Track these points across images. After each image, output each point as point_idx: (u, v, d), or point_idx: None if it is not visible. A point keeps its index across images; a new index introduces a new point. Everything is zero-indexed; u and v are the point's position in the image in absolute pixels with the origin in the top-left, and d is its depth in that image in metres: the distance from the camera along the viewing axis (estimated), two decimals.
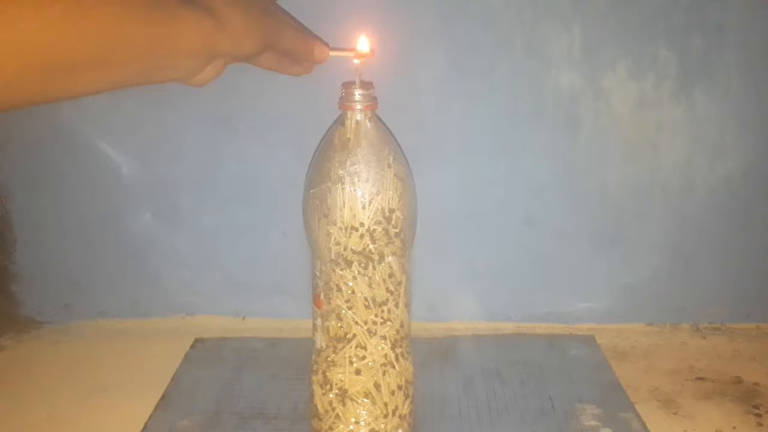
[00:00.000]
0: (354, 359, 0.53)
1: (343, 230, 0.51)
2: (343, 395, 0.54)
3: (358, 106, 0.51)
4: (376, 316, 0.53)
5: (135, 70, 0.39)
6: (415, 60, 0.71)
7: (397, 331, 0.54)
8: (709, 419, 0.63)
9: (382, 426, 0.55)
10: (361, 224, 0.51)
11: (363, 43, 0.52)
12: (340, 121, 0.52)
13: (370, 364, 0.54)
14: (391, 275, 0.53)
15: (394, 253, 0.52)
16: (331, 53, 0.51)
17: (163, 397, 0.64)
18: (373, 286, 0.52)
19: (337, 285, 0.52)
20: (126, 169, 0.75)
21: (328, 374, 0.54)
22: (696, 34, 0.70)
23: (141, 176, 0.75)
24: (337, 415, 0.54)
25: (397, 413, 0.55)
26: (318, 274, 0.54)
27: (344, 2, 0.70)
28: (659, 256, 0.77)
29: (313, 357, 0.56)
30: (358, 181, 0.51)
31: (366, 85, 0.52)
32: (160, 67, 0.41)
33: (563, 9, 0.70)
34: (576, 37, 0.70)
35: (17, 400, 0.67)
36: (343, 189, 0.51)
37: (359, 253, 0.51)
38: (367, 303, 0.52)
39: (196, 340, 0.74)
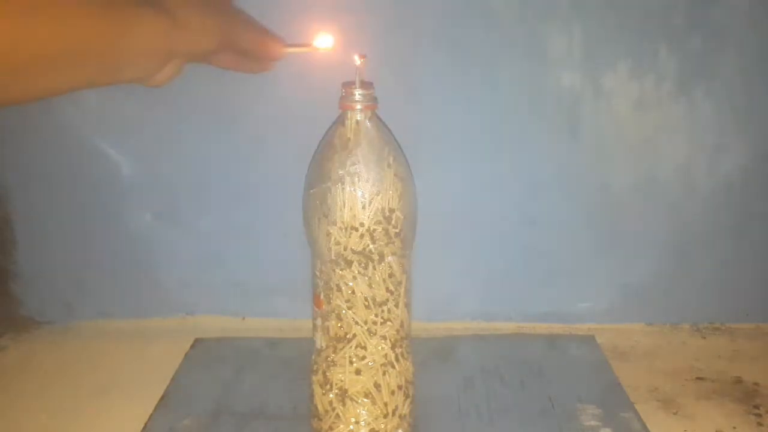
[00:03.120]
0: (354, 359, 0.53)
1: (343, 230, 0.51)
2: (343, 395, 0.54)
3: (358, 106, 0.51)
4: (376, 316, 0.53)
5: (93, 70, 0.40)
6: (415, 60, 0.71)
7: (397, 331, 0.54)
8: (709, 419, 0.63)
9: (382, 426, 0.55)
10: (361, 224, 0.51)
11: (322, 38, 0.52)
12: (340, 121, 0.52)
13: (370, 364, 0.54)
14: (391, 275, 0.53)
15: (394, 253, 0.52)
16: (289, 50, 0.51)
17: (163, 397, 0.64)
18: (373, 286, 0.52)
19: (337, 285, 0.52)
20: (126, 169, 0.75)
21: (328, 374, 0.54)
22: (696, 34, 0.70)
23: (141, 176, 0.75)
24: (337, 415, 0.54)
25: (397, 413, 0.55)
26: (318, 274, 0.54)
27: (344, 2, 0.70)
28: (659, 256, 0.77)
29: (313, 357, 0.56)
30: (358, 181, 0.51)
31: (366, 85, 0.52)
32: (119, 66, 0.41)
33: (563, 9, 0.70)
34: (576, 37, 0.70)
35: (17, 400, 0.67)
36: (343, 189, 0.51)
37: (359, 253, 0.51)
38: (367, 303, 0.52)
39: (196, 340, 0.74)
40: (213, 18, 0.45)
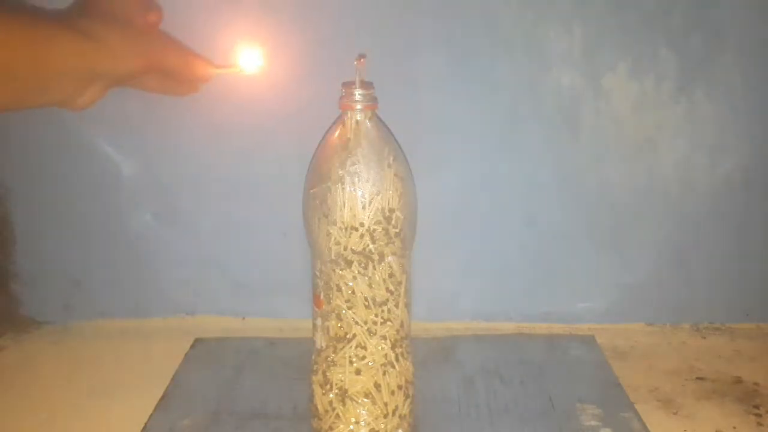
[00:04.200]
0: (354, 359, 0.53)
1: (343, 230, 0.51)
2: (343, 395, 0.54)
3: (359, 106, 0.51)
4: (376, 316, 0.53)
5: (16, 91, 0.40)
6: (415, 60, 0.71)
7: (397, 331, 0.54)
8: (709, 419, 0.63)
9: (382, 426, 0.55)
10: (361, 224, 0.51)
11: (248, 57, 0.52)
12: (340, 121, 0.52)
13: (370, 364, 0.54)
14: (391, 275, 0.53)
15: (394, 253, 0.52)
16: (216, 71, 0.51)
17: (163, 397, 0.64)
18: (373, 286, 0.52)
19: (337, 285, 0.52)
20: (126, 169, 0.75)
21: (328, 374, 0.54)
22: (696, 34, 0.70)
23: (141, 176, 0.76)
24: (337, 415, 0.55)
25: (397, 413, 0.55)
26: (318, 274, 0.54)
27: (345, 2, 0.70)
28: (659, 256, 0.77)
29: (313, 357, 0.56)
30: (358, 181, 0.51)
31: (366, 85, 0.52)
32: (41, 87, 0.42)
33: (563, 9, 0.70)
34: (576, 37, 0.70)
35: (17, 400, 0.67)
36: (343, 189, 0.51)
37: (359, 253, 0.51)
38: (367, 303, 0.52)
39: (196, 340, 0.74)
40: (135, 40, 0.46)
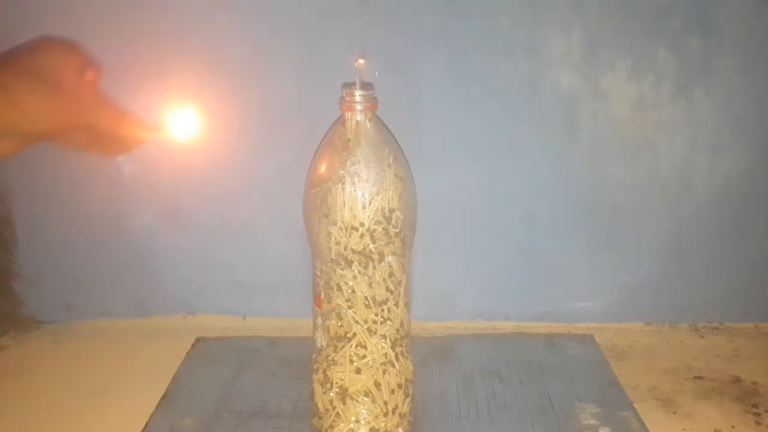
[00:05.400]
0: (354, 358, 0.54)
1: (344, 230, 0.51)
2: (343, 394, 0.54)
3: (359, 107, 0.51)
4: (376, 315, 0.53)
5: None
6: (415, 60, 0.71)
7: (397, 330, 0.54)
8: (708, 418, 0.63)
9: (382, 424, 0.55)
10: (361, 224, 0.51)
11: (180, 124, 0.51)
12: (341, 121, 0.52)
13: (370, 363, 0.54)
14: (391, 275, 0.53)
15: (394, 253, 0.53)
16: (149, 135, 0.50)
17: (164, 396, 0.65)
18: (373, 285, 0.52)
19: (338, 284, 0.53)
20: (127, 168, 0.75)
21: (328, 373, 0.55)
22: (695, 34, 0.70)
23: (142, 176, 0.76)
24: (338, 414, 0.55)
25: (397, 412, 0.55)
26: (318, 273, 0.54)
27: (345, 3, 0.70)
28: (658, 256, 0.77)
29: (313, 356, 0.56)
30: (358, 181, 0.51)
31: (366, 85, 0.52)
32: None
33: (563, 9, 0.70)
34: (575, 37, 0.71)
35: (18, 399, 0.67)
36: (343, 189, 0.51)
37: (359, 252, 0.52)
38: (367, 302, 0.53)
39: (197, 340, 0.75)
40: (61, 99, 0.44)
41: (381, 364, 0.54)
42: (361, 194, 0.51)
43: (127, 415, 0.62)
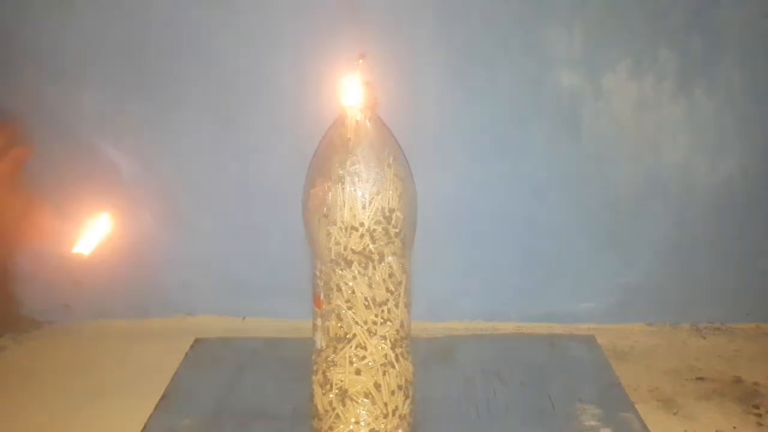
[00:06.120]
0: (354, 359, 0.53)
1: (343, 230, 0.51)
2: (343, 395, 0.54)
3: (359, 107, 0.51)
4: (376, 316, 0.53)
5: None
6: (415, 60, 0.71)
7: (397, 331, 0.54)
8: (709, 419, 0.63)
9: (382, 426, 0.55)
10: (361, 224, 0.51)
11: (89, 238, 0.51)
12: (340, 121, 0.52)
13: (370, 364, 0.54)
14: (391, 275, 0.53)
15: (394, 253, 0.52)
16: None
17: (163, 397, 0.64)
18: (373, 286, 0.52)
19: (337, 285, 0.52)
20: (126, 169, 0.75)
21: (328, 374, 0.54)
22: (696, 34, 0.70)
23: (141, 177, 0.75)
24: (337, 415, 0.54)
25: (397, 413, 0.55)
26: (318, 274, 0.54)
27: (345, 3, 0.70)
28: (659, 256, 0.77)
29: (313, 357, 0.56)
30: (358, 181, 0.51)
31: (366, 85, 0.52)
32: None
33: (563, 9, 0.70)
34: (576, 37, 0.70)
35: (17, 399, 0.67)
36: (343, 189, 0.51)
37: (359, 253, 0.51)
38: (367, 303, 0.52)
39: (196, 341, 0.74)
40: None
41: (381, 365, 0.54)
42: (361, 194, 0.51)
43: (125, 417, 0.62)
